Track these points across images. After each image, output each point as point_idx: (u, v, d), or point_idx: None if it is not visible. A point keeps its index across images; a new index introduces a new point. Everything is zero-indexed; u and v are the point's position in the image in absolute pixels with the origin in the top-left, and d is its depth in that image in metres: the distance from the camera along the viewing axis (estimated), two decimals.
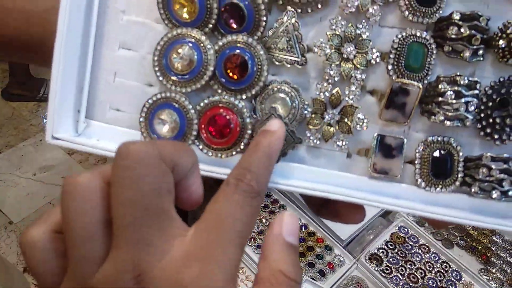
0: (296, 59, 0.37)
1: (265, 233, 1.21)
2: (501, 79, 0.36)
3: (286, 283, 0.28)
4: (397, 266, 1.28)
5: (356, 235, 1.34)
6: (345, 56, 0.36)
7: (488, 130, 0.36)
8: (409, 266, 1.28)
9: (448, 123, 0.35)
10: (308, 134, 0.37)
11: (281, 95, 0.37)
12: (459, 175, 0.37)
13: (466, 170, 0.37)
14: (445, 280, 1.24)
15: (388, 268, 1.28)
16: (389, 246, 1.32)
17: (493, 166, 0.36)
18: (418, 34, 0.36)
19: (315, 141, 0.37)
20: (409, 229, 1.35)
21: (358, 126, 0.37)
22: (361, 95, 0.38)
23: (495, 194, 0.36)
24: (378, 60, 0.37)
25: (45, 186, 2.32)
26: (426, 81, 0.36)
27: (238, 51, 0.36)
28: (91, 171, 0.28)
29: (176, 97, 0.37)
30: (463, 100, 0.35)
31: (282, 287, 0.28)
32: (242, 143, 0.37)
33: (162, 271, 0.25)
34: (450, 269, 1.26)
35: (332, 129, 0.37)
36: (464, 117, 0.35)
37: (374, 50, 0.36)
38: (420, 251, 1.31)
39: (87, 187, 0.27)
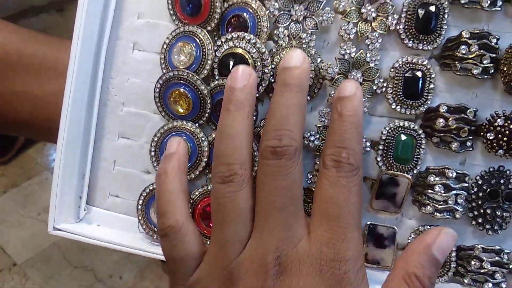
0: None
1: None
2: (491, 169, 0.38)
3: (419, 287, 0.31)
4: None
5: None
6: None
7: (480, 220, 0.39)
8: None
9: (438, 215, 0.38)
10: None
11: None
12: (452, 265, 0.39)
13: (459, 260, 0.39)
14: None
15: None
16: None
17: (485, 258, 0.38)
18: (406, 125, 0.39)
19: None
20: None
21: None
22: None
23: (487, 287, 0.38)
24: (368, 149, 0.40)
25: None
26: (415, 171, 0.39)
27: None
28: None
29: None
30: (452, 193, 0.38)
31: None
32: None
33: (297, 253, 0.31)
34: None
35: None
36: (454, 209, 0.38)
37: (363, 140, 0.40)
38: None
39: (242, 175, 0.33)
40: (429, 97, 0.39)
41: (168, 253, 0.35)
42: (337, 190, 0.31)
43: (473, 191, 0.39)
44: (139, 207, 0.42)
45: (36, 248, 2.26)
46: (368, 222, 0.40)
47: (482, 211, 0.38)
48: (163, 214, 0.35)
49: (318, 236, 0.31)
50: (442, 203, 0.38)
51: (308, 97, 0.40)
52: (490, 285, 0.38)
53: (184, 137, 0.40)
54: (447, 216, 0.38)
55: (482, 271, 0.38)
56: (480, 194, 0.38)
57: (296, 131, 0.32)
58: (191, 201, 0.40)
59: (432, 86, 0.39)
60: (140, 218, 0.42)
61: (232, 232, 0.32)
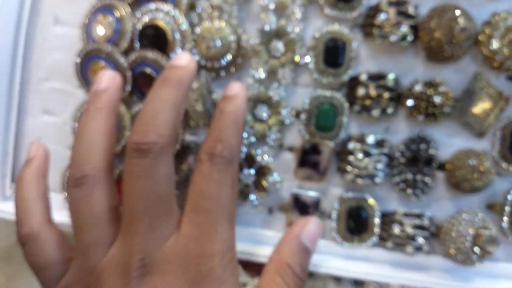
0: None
1: None
2: (412, 136, 0.39)
3: (291, 276, 0.33)
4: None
5: None
6: (258, 117, 0.40)
7: (402, 186, 0.40)
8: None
9: (359, 181, 0.39)
10: None
11: None
12: (376, 230, 0.40)
13: (383, 225, 0.41)
14: None
15: None
16: None
17: (406, 222, 0.39)
18: (328, 94, 0.39)
19: None
20: None
21: (273, 186, 0.40)
22: (279, 153, 0.41)
23: (409, 249, 0.39)
24: (292, 119, 0.40)
25: None
26: (339, 139, 0.40)
27: None
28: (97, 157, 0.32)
29: None
30: (371, 158, 0.39)
31: (287, 279, 0.32)
32: None
33: (163, 253, 0.30)
34: None
35: (249, 188, 0.41)
36: (374, 175, 0.39)
37: (286, 111, 0.40)
38: None
39: (94, 176, 0.31)
40: (351, 66, 0.39)
41: (30, 261, 0.33)
42: (209, 183, 0.30)
43: (395, 158, 0.40)
44: (65, 184, 0.42)
45: None
46: (292, 191, 0.41)
47: (404, 177, 0.39)
48: (18, 222, 0.34)
49: (186, 233, 0.30)
50: (362, 169, 0.39)
51: (234, 69, 0.40)
52: (411, 248, 0.39)
53: None
54: (368, 182, 0.39)
55: (403, 234, 0.39)
56: (402, 160, 0.39)
57: (166, 128, 0.30)
58: (116, 177, 0.41)
59: (353, 54, 0.39)
60: (66, 195, 0.42)
61: (92, 236, 0.31)
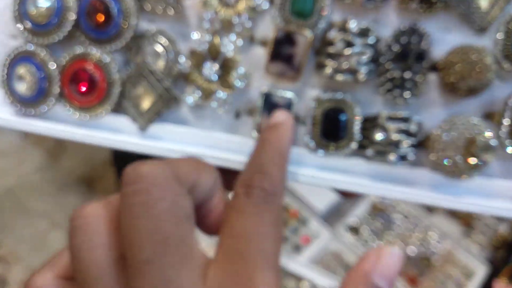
0: (170, 5, 0.35)
1: None
2: (402, 27, 0.34)
3: None
4: (376, 236, 1.29)
5: (334, 205, 1.35)
6: (225, 1, 0.35)
7: (388, 86, 0.35)
8: (388, 234, 1.30)
9: (339, 76, 0.34)
10: (187, 91, 0.36)
11: (156, 47, 0.36)
12: (356, 137, 0.36)
13: (364, 131, 0.36)
14: (425, 247, 1.27)
15: (367, 238, 1.29)
16: (368, 215, 1.33)
17: (390, 126, 0.34)
18: None
19: (194, 99, 0.36)
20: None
21: (239, 82, 0.35)
22: (249, 47, 0.36)
23: (391, 157, 0.35)
24: (266, 6, 0.35)
25: None
26: (318, 30, 0.35)
27: None
28: (99, 201, 0.26)
29: (37, 51, 0.36)
30: (354, 49, 0.33)
31: None
32: (111, 101, 0.36)
33: None
34: (431, 235, 1.29)
35: (213, 85, 0.36)
36: (355, 70, 0.34)
37: None
38: (399, 218, 1.33)
39: (95, 220, 0.25)
40: None
41: None
42: (246, 221, 0.26)
43: (381, 53, 0.34)
44: (4, 76, 0.37)
45: None
46: (264, 90, 0.36)
47: (390, 75, 0.34)
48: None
49: (215, 284, 0.25)
50: (343, 61, 0.33)
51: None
52: (394, 156, 0.34)
53: None
54: (349, 78, 0.34)
55: (386, 141, 0.34)
56: (390, 55, 0.34)
57: None
58: (63, 62, 0.36)
59: None
60: (6, 90, 0.37)
61: None
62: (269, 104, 0.36)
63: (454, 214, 1.34)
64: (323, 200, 1.34)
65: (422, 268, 1.25)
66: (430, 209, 1.35)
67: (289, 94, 0.36)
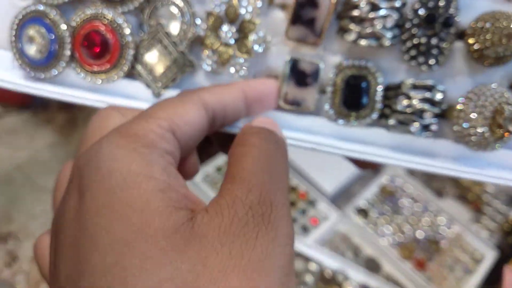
0: None
1: None
2: None
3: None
4: (385, 219, 1.28)
5: (343, 187, 1.34)
6: None
7: (413, 53, 0.33)
8: (397, 218, 1.29)
9: (362, 41, 0.33)
10: (203, 56, 0.35)
11: (171, 8, 0.35)
12: (377, 106, 0.34)
13: (386, 100, 0.35)
14: (434, 231, 1.26)
15: (376, 221, 1.28)
16: (377, 198, 1.33)
17: (414, 95, 0.33)
18: None
19: (210, 64, 0.35)
20: (398, 179, 1.35)
21: (258, 46, 0.34)
22: (268, 10, 0.35)
23: (413, 128, 0.33)
24: None
25: None
26: None
27: None
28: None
29: (47, 10, 0.35)
30: (379, 13, 0.32)
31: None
32: (125, 65, 0.35)
33: None
34: (440, 220, 1.28)
35: (230, 49, 0.34)
36: (381, 35, 0.32)
37: None
38: (408, 202, 1.32)
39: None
40: None
41: None
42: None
43: (407, 18, 0.33)
44: (13, 38, 0.36)
45: None
46: (289, 56, 0.35)
47: (415, 41, 0.33)
48: None
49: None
50: (367, 26, 0.32)
51: None
52: (417, 125, 0.33)
53: None
54: (373, 44, 0.33)
55: (409, 110, 0.33)
56: (416, 20, 0.33)
57: None
58: (74, 23, 0.35)
59: None
60: (14, 52, 0.36)
61: None
62: (296, 71, 0.35)
63: (463, 199, 1.33)
64: (332, 182, 1.33)
65: (430, 252, 1.24)
66: (440, 193, 1.34)
67: (314, 60, 0.35)
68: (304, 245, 1.18)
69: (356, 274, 1.14)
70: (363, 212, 1.31)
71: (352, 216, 1.28)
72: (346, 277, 1.14)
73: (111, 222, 0.23)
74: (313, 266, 1.16)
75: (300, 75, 0.35)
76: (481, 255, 1.23)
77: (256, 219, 0.23)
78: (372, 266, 1.22)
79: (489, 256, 1.22)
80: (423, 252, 1.24)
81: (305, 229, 1.25)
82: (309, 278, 1.14)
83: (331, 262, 1.16)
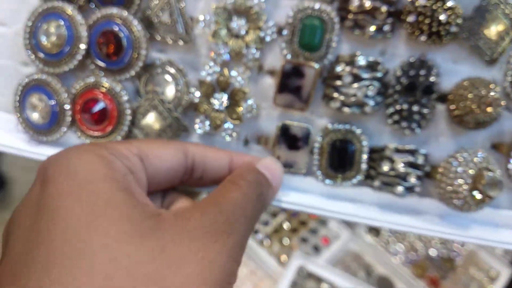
0: (179, 36, 0.36)
1: None
2: (411, 60, 0.34)
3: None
4: (397, 237, 1.28)
5: None
6: (234, 32, 0.35)
7: (396, 118, 0.35)
8: (409, 235, 1.28)
9: (346, 109, 0.34)
10: (197, 121, 0.37)
11: (166, 76, 0.37)
12: (363, 168, 0.36)
13: (371, 161, 0.36)
14: (448, 248, 1.25)
15: (388, 239, 1.28)
16: None
17: (397, 159, 0.35)
18: (316, 6, 0.34)
19: (203, 129, 0.37)
20: None
21: (248, 113, 0.36)
22: (258, 76, 0.37)
23: (397, 190, 0.35)
24: (274, 36, 0.35)
25: None
26: (326, 61, 0.35)
27: (115, 27, 0.35)
28: None
29: (48, 80, 0.37)
30: (362, 83, 0.34)
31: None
32: (122, 130, 0.37)
33: None
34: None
35: (221, 115, 0.36)
36: (363, 103, 0.34)
37: (270, 24, 0.35)
38: None
39: None
40: None
41: None
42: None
43: (390, 85, 0.35)
44: (17, 103, 0.38)
45: None
46: (281, 122, 0.37)
47: (398, 107, 0.35)
48: None
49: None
50: (350, 96, 0.34)
51: None
52: (401, 188, 0.35)
53: (61, 21, 0.36)
54: (356, 111, 0.34)
55: (393, 173, 0.35)
56: (398, 88, 0.34)
57: None
58: (74, 91, 0.37)
59: None
60: (18, 116, 0.39)
61: None
62: (288, 135, 0.37)
63: None
64: None
65: (444, 270, 1.24)
66: None
67: (304, 125, 0.36)
68: (315, 265, 1.19)
69: None
70: (374, 231, 1.31)
71: (363, 235, 1.29)
72: None
73: (73, 204, 0.23)
74: (325, 287, 1.17)
75: (291, 139, 0.37)
76: (496, 273, 1.22)
77: (217, 232, 0.25)
78: (384, 285, 1.22)
79: (505, 274, 1.20)
80: (437, 270, 1.24)
81: (317, 249, 1.26)
82: None
83: (343, 282, 1.17)
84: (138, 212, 0.24)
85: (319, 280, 1.18)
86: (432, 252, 1.26)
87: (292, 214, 1.29)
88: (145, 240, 0.23)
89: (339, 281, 1.17)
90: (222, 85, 0.36)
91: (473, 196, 0.33)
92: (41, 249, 0.22)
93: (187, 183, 0.32)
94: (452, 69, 0.35)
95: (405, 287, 1.19)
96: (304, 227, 1.28)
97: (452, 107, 0.34)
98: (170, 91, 0.37)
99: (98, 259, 0.22)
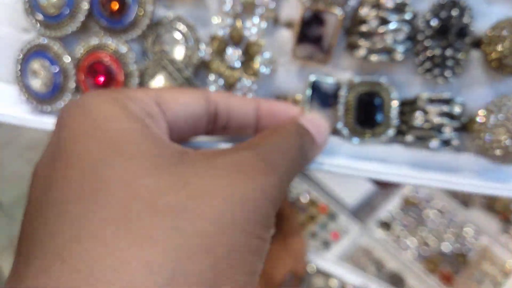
0: None
1: None
2: (441, 0, 0.32)
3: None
4: (408, 231, 1.26)
5: (364, 199, 1.32)
6: None
7: (428, 66, 0.32)
8: (421, 230, 1.26)
9: (373, 57, 0.32)
10: (209, 80, 0.34)
11: (174, 34, 0.34)
12: (393, 122, 0.33)
13: (402, 115, 0.33)
14: (460, 243, 1.22)
15: (399, 234, 1.26)
16: (400, 209, 1.30)
17: (431, 109, 0.32)
18: None
19: (217, 88, 0.34)
20: (422, 189, 1.32)
21: (265, 68, 0.33)
22: (273, 29, 0.34)
23: (433, 144, 0.32)
24: None
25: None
26: (348, 6, 0.32)
27: None
28: None
29: (50, 44, 0.34)
30: (389, 27, 0.31)
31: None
32: None
33: None
34: (466, 231, 1.24)
35: (236, 73, 0.34)
36: (392, 49, 0.31)
37: None
38: (433, 213, 1.29)
39: None
40: None
41: None
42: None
43: (419, 30, 0.32)
44: (18, 72, 0.36)
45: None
46: (312, 79, 0.34)
47: (429, 53, 0.32)
48: None
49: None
50: (377, 41, 0.31)
51: None
52: (436, 142, 0.32)
53: None
54: (385, 59, 0.32)
55: (427, 125, 0.32)
56: (429, 32, 0.32)
57: None
58: (78, 55, 0.34)
59: None
60: (20, 86, 0.36)
61: None
62: (320, 92, 0.34)
63: (491, 209, 1.29)
64: (353, 195, 1.31)
65: (457, 266, 1.21)
66: (466, 204, 1.30)
67: (330, 79, 0.34)
68: (324, 260, 1.16)
69: None
70: (385, 225, 1.29)
71: (374, 229, 1.26)
72: None
73: (89, 144, 0.22)
74: (334, 283, 1.14)
75: (323, 97, 0.34)
76: (510, 268, 1.19)
77: (252, 170, 0.22)
78: (395, 281, 1.19)
79: None
80: (450, 265, 1.21)
81: (326, 244, 1.23)
82: None
83: (353, 277, 1.14)
84: (159, 149, 0.22)
85: (327, 276, 1.15)
86: (445, 247, 1.23)
87: (301, 209, 1.27)
88: (167, 174, 0.21)
89: (349, 276, 1.14)
90: (235, 39, 0.33)
91: None
92: (57, 191, 0.21)
93: (212, 133, 0.30)
94: (487, 10, 0.32)
95: (417, 282, 1.16)
96: (313, 222, 1.25)
97: (489, 49, 0.31)
98: (180, 49, 0.34)
99: (115, 193, 0.20)
